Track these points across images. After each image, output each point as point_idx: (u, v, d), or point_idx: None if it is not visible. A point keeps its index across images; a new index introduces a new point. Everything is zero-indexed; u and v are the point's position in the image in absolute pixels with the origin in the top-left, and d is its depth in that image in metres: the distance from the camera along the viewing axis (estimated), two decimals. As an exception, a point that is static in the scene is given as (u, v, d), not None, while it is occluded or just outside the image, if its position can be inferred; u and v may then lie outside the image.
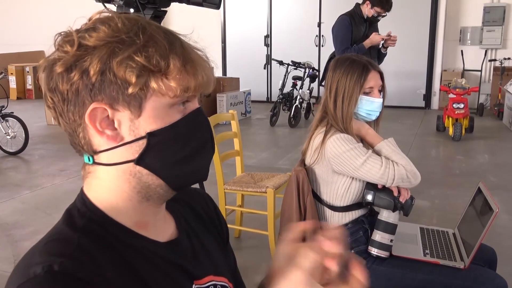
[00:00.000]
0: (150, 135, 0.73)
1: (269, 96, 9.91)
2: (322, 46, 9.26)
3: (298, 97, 7.26)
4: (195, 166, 0.79)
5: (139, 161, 0.74)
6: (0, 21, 11.69)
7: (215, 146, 0.85)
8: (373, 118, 1.88)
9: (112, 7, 1.62)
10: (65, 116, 0.73)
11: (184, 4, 1.63)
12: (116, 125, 0.73)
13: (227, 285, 0.90)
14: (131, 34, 0.70)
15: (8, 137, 5.78)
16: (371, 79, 1.81)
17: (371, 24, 4.06)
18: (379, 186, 1.79)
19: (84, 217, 0.75)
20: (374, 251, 1.81)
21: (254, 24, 9.84)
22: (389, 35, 3.94)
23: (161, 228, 0.83)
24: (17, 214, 3.92)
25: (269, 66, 9.69)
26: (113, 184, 0.76)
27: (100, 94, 0.70)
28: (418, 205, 3.98)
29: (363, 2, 3.98)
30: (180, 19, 10.57)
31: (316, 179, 1.88)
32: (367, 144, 1.89)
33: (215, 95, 7.75)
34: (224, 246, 1.01)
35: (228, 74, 9.86)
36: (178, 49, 0.73)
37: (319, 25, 9.24)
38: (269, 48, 9.79)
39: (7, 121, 5.79)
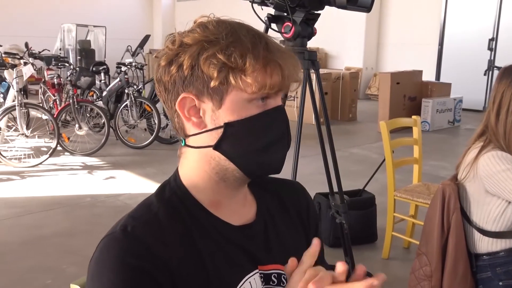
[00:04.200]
0: (227, 125, 0.83)
1: (487, 105, 8.99)
2: (561, 52, 7.97)
3: (517, 109, 6.43)
4: (267, 159, 0.86)
5: (217, 147, 0.84)
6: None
7: (297, 143, 0.92)
8: (545, 137, 1.63)
9: (257, 8, 1.75)
10: (167, 104, 0.88)
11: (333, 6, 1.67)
12: (201, 113, 0.84)
13: None
14: (218, 36, 0.81)
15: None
16: (543, 92, 1.58)
17: None
18: (540, 216, 1.56)
19: (171, 191, 0.89)
20: (527, 288, 1.59)
21: (477, 26, 9.01)
22: None
23: (237, 212, 0.91)
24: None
25: (490, 72, 8.78)
26: (196, 164, 0.88)
27: (190, 86, 0.82)
28: None
29: None
30: (396, 16, 10.37)
31: (467, 196, 1.72)
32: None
33: (420, 99, 7.39)
34: (307, 240, 1.04)
35: (442, 79, 9.26)
36: (261, 50, 0.81)
37: (560, 28, 7.97)
38: (492, 52, 8.85)
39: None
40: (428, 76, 8.75)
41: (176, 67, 0.82)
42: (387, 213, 3.10)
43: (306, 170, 4.64)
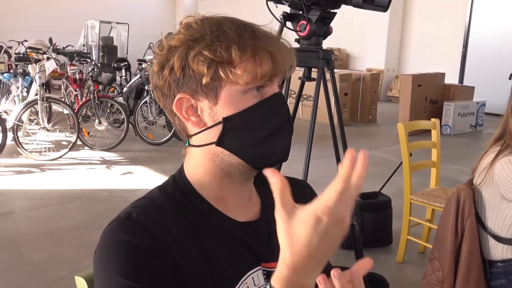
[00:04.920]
0: (226, 120, 0.83)
1: (510, 110, 8.79)
2: None
3: (542, 114, 6.27)
4: (271, 148, 0.86)
5: (219, 143, 0.85)
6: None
7: (293, 130, 0.90)
8: None
9: (272, 5, 1.74)
10: (166, 108, 0.88)
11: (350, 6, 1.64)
12: (199, 112, 0.85)
13: None
14: (203, 33, 0.81)
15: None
16: None
17: None
18: (558, 224, 1.51)
19: (175, 185, 0.90)
20: (542, 298, 1.54)
21: (503, 29, 8.83)
22: None
23: (242, 208, 0.92)
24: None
25: (515, 76, 8.59)
26: (201, 162, 0.88)
27: (184, 86, 0.83)
28: None
29: None
30: (420, 17, 10.23)
31: (482, 202, 1.68)
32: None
33: (442, 102, 7.27)
34: None
35: (465, 82, 9.11)
36: (247, 40, 0.80)
37: None
38: (519, 56, 8.66)
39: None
40: (451, 78, 8.61)
41: (168, 71, 0.83)
42: (403, 216, 3.06)
43: (322, 171, 4.60)
